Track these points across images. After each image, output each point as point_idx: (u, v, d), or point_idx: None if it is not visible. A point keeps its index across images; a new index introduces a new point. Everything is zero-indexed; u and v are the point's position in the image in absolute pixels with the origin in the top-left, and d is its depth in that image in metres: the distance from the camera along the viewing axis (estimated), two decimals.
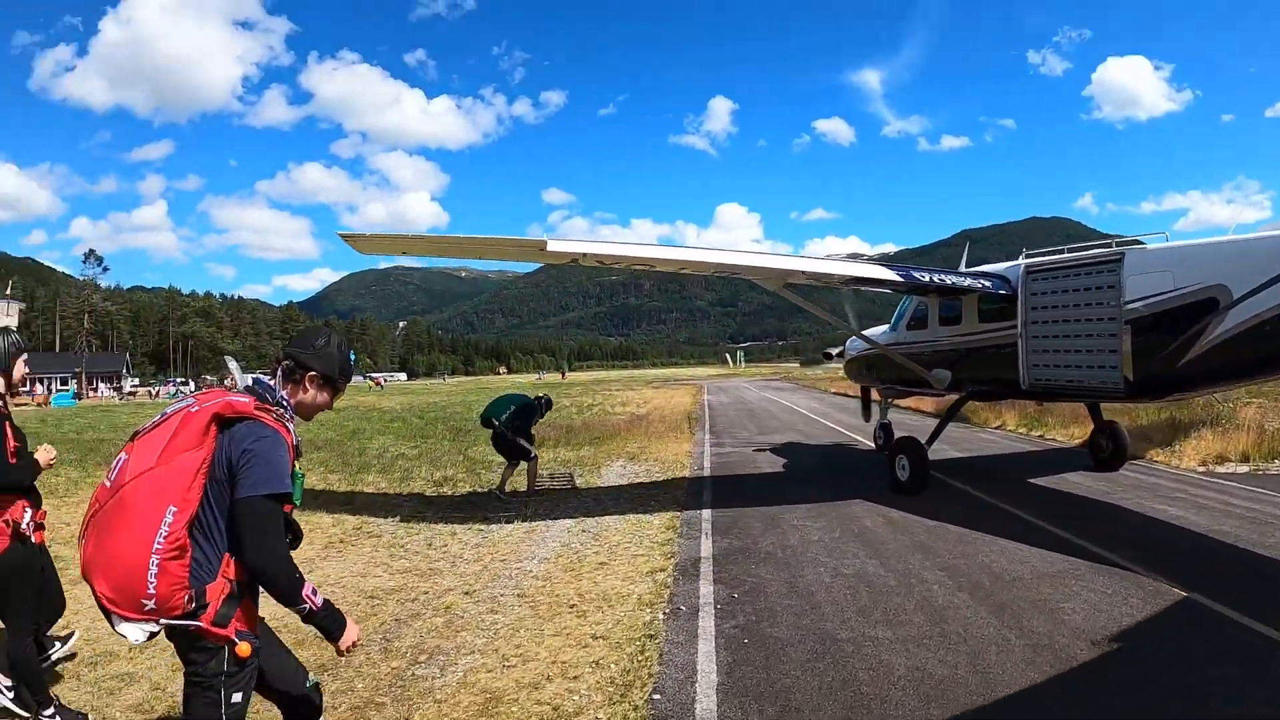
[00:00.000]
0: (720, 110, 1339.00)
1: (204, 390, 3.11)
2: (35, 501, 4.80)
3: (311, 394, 3.22)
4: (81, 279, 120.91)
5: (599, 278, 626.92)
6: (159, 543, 2.73)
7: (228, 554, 2.90)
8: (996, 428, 20.35)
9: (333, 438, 21.90)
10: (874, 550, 8.13)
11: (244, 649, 2.91)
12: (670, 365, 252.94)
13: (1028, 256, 10.93)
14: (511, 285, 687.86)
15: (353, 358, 3.39)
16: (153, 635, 2.83)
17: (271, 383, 3.17)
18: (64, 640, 5.63)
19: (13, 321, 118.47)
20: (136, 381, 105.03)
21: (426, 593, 7.33)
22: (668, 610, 6.47)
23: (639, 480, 13.67)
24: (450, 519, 10.82)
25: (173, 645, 2.97)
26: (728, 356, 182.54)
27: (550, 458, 16.30)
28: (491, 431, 12.48)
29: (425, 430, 24.64)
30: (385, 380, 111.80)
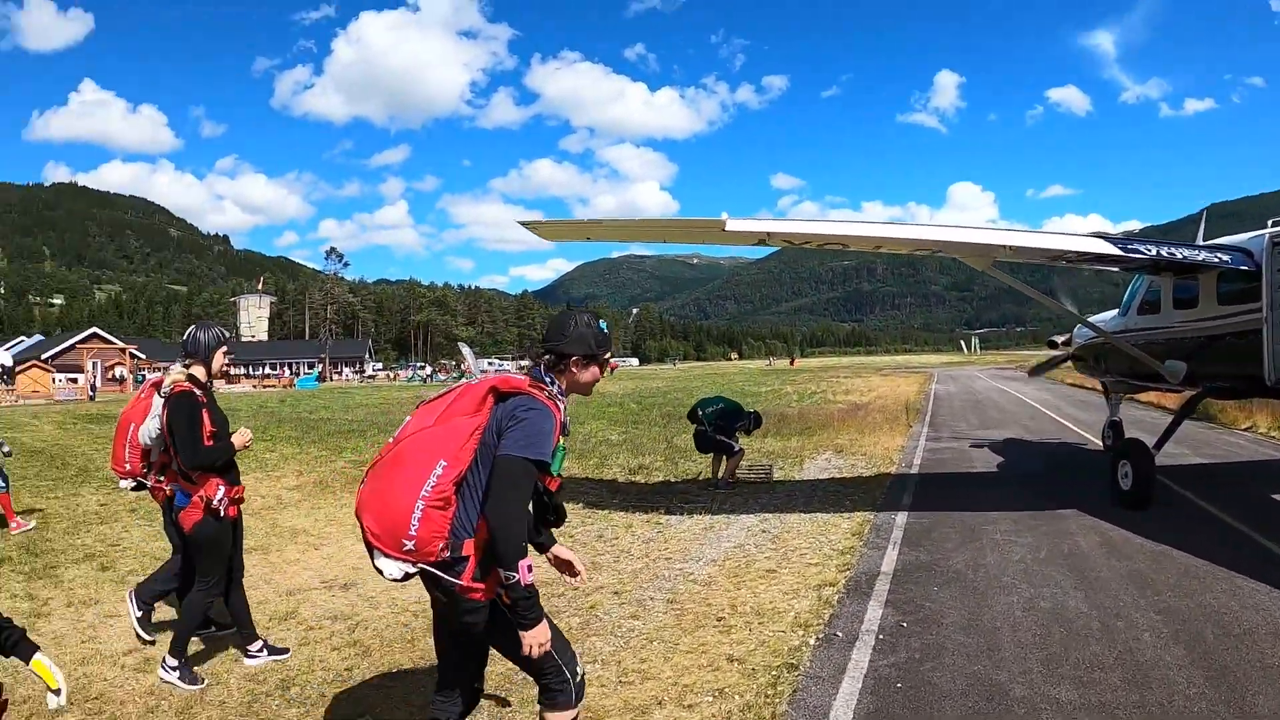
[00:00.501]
0: (947, 85, 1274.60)
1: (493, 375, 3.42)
2: (232, 479, 5.36)
3: (579, 373, 3.45)
4: (327, 274, 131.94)
5: (830, 263, 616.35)
6: (426, 490, 3.03)
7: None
8: (1245, 429, 17.75)
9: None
10: (1080, 578, 7.08)
11: (507, 597, 3.12)
12: (903, 352, 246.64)
13: (1275, 225, 8.96)
14: (743, 271, 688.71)
15: (604, 326, 3.56)
16: (408, 576, 3.14)
17: (543, 374, 3.39)
18: (222, 627, 6.11)
19: (265, 313, 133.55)
20: (379, 366, 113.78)
21: (577, 589, 7.17)
22: (822, 635, 5.90)
23: (840, 476, 13.20)
24: (633, 508, 10.94)
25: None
26: (962, 343, 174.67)
27: (755, 448, 15.88)
28: (695, 428, 12.61)
29: (640, 416, 25.22)
30: (618, 365, 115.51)
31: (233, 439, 5.33)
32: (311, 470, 15.19)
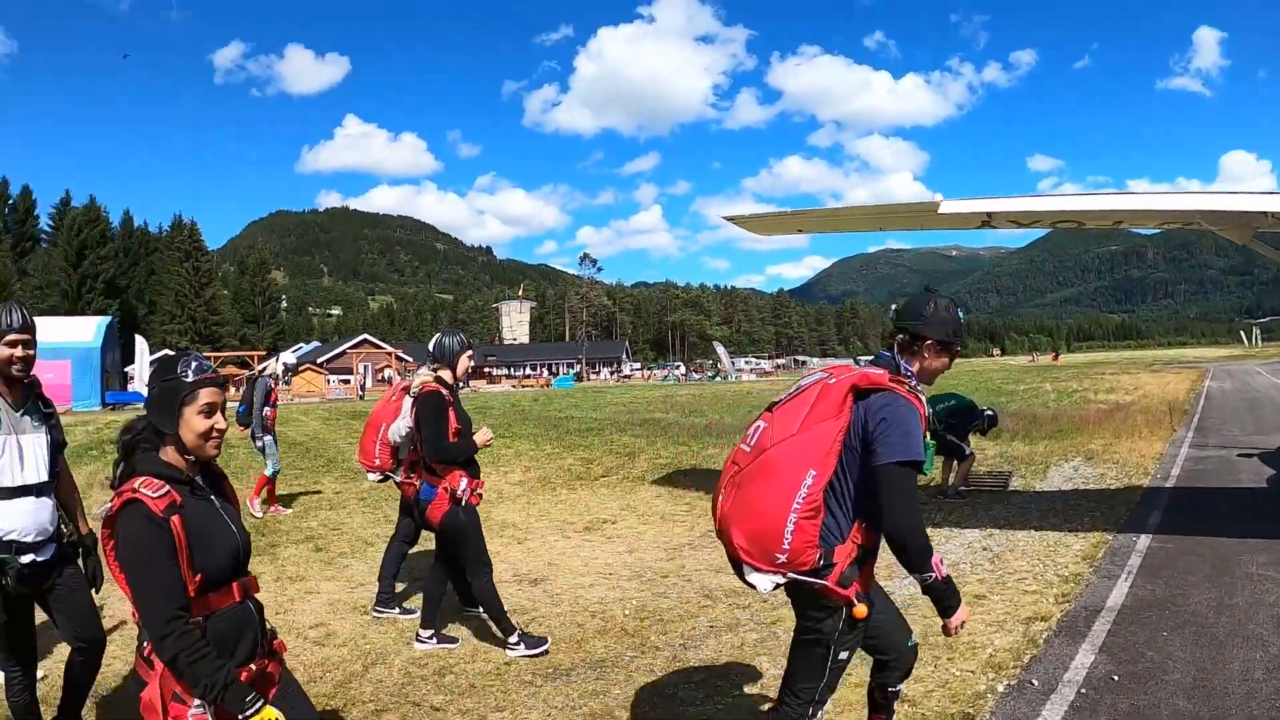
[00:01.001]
0: (1207, 42, 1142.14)
1: (832, 366, 3.42)
2: (473, 473, 5.81)
3: (930, 360, 3.38)
4: (582, 279, 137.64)
5: (1096, 248, 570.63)
6: (798, 502, 3.01)
7: (858, 520, 3.15)
8: None
9: None
10: None
11: (861, 611, 3.12)
12: (1177, 345, 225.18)
13: None
14: (1004, 261, 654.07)
15: (962, 316, 3.54)
16: (777, 586, 3.16)
17: (894, 357, 3.37)
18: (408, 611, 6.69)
19: (525, 317, 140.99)
20: (638, 366, 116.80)
21: (766, 602, 6.78)
22: (1014, 682, 5.11)
23: (1084, 487, 11.88)
24: None
25: (790, 600, 3.35)
26: (1242, 334, 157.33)
27: (996, 453, 14.94)
28: None
29: None
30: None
31: (475, 437, 5.78)
32: (539, 467, 15.83)
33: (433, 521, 5.76)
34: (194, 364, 2.76)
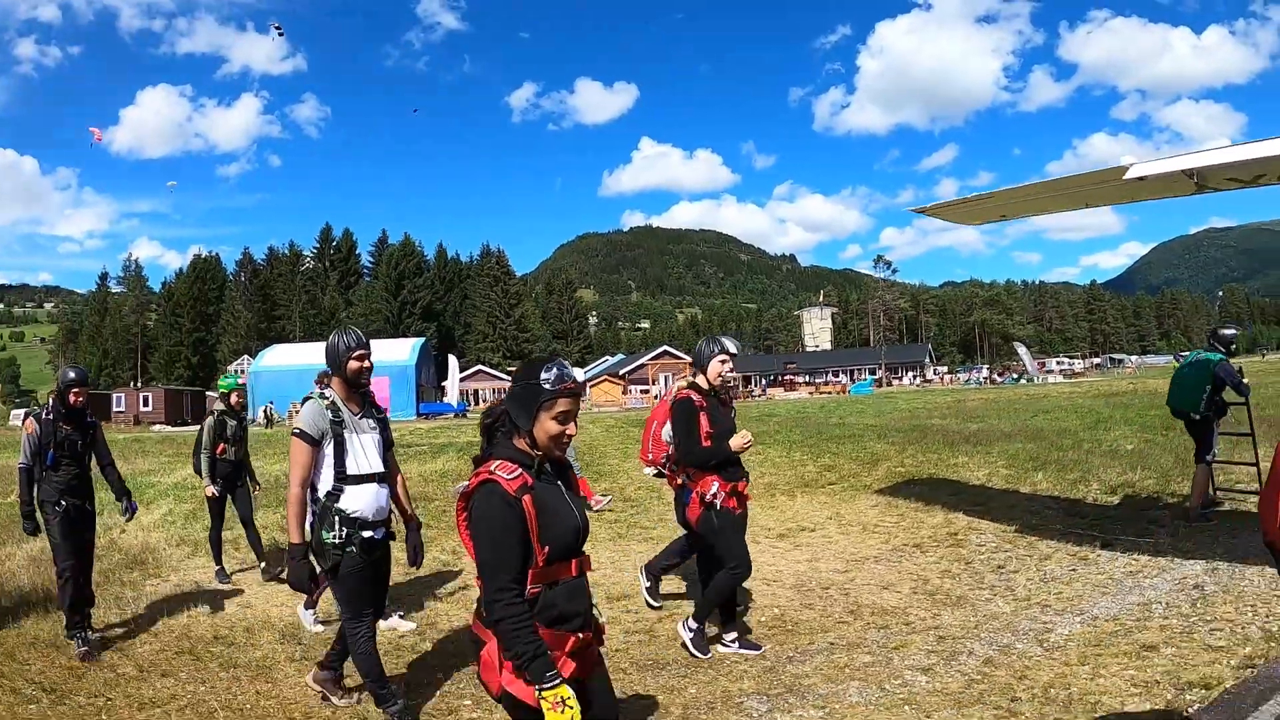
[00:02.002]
0: None
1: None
2: (731, 475, 6.04)
3: None
4: (876, 281, 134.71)
5: None
6: None
7: None
8: None
9: (1070, 426, 19.91)
10: None
11: None
12: None
13: None
14: None
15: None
16: None
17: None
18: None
19: (827, 323, 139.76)
20: (944, 370, 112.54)
21: (910, 625, 6.51)
22: None
23: None
24: (1071, 536, 9.31)
25: None
26: None
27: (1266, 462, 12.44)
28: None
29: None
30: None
31: (731, 441, 5.92)
32: (776, 473, 15.86)
33: (690, 521, 6.09)
34: (556, 371, 3.01)
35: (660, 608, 7.01)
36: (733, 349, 6.33)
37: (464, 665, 5.82)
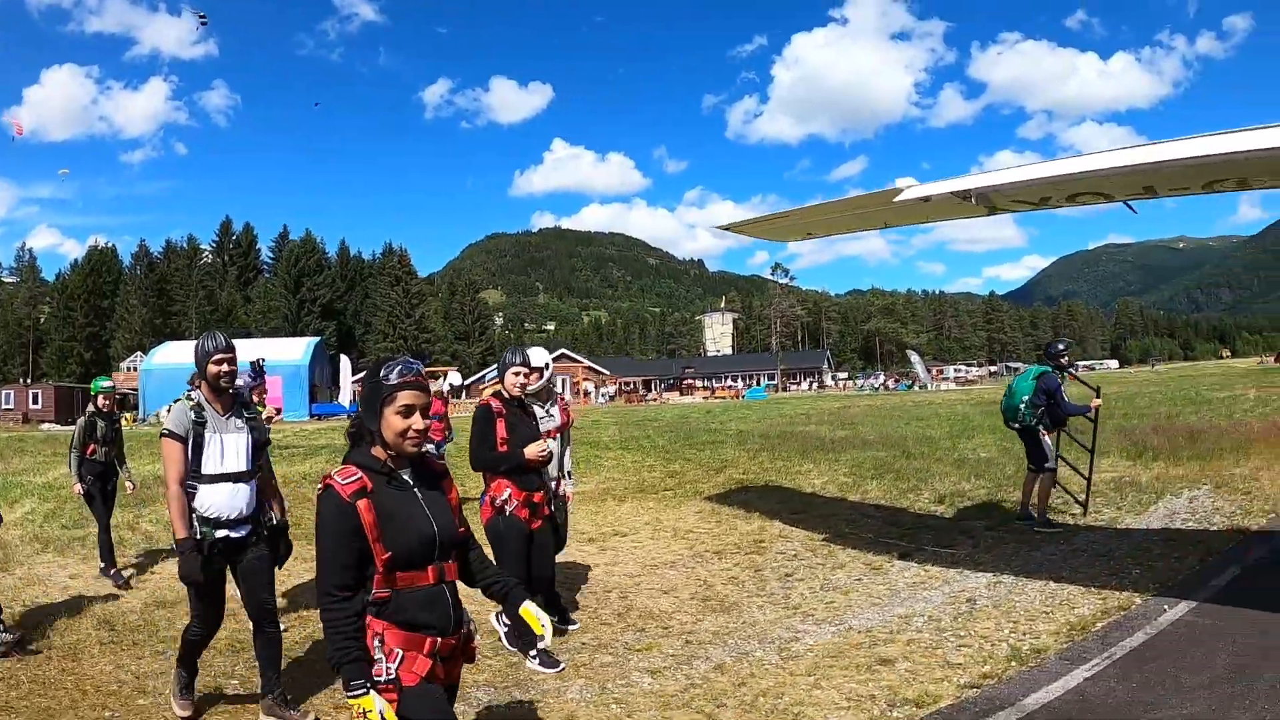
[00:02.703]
0: None
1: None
2: (524, 484, 5.91)
3: None
4: (773, 288, 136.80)
5: None
6: None
7: None
8: None
9: (934, 434, 20.18)
10: None
11: None
12: None
13: None
14: (1237, 252, 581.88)
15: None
16: None
17: None
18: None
19: (728, 329, 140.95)
20: (844, 376, 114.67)
21: (667, 629, 6.30)
22: None
23: (1183, 527, 9.43)
24: (877, 546, 9.30)
25: None
26: None
27: (1114, 477, 12.51)
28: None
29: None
30: (1094, 367, 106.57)
31: (526, 450, 5.84)
32: (621, 478, 15.69)
33: (483, 523, 5.96)
34: (398, 367, 2.93)
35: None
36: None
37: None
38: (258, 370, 10.54)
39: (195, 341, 5.03)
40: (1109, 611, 6.48)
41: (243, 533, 4.87)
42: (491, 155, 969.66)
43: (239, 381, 5.98)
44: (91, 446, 8.84)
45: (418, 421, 2.90)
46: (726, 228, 9.45)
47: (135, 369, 61.54)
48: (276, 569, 5.24)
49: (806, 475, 14.76)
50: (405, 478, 2.97)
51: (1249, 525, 9.20)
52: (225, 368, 4.87)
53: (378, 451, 2.94)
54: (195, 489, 4.74)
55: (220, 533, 4.76)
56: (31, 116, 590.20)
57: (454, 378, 16.02)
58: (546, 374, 6.73)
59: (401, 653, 2.80)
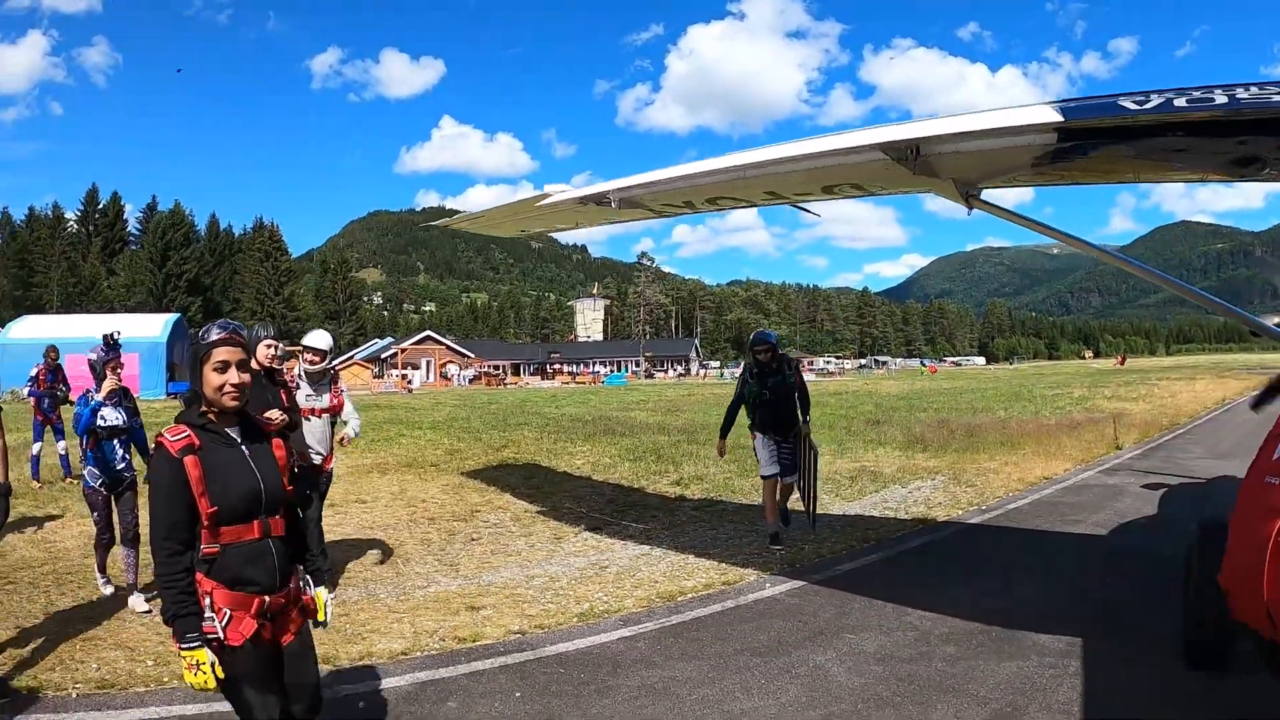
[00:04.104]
0: None
1: None
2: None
3: None
4: (639, 277, 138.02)
5: (1202, 247, 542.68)
6: None
7: None
8: None
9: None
10: None
11: None
12: None
13: None
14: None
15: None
16: None
17: None
18: None
19: (599, 315, 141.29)
20: (716, 365, 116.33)
21: None
22: None
23: (871, 514, 10.03)
24: (587, 521, 9.92)
25: None
26: None
27: (864, 464, 13.80)
28: None
29: (850, 416, 23.31)
30: (960, 363, 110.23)
31: (268, 413, 5.75)
32: (403, 454, 16.21)
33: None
34: (215, 328, 3.02)
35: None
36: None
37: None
38: (111, 345, 10.56)
39: None
40: (711, 585, 6.99)
41: None
42: (379, 130, 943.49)
43: (90, 356, 6.27)
44: None
45: (233, 376, 2.97)
46: (445, 225, 9.98)
47: None
48: None
49: (574, 457, 15.55)
50: (233, 435, 3.04)
51: (937, 516, 9.76)
52: None
53: (205, 408, 3.03)
54: None
55: None
56: None
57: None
58: (328, 357, 7.07)
59: (230, 612, 2.86)
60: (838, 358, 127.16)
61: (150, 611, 6.06)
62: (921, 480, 12.34)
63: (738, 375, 9.15)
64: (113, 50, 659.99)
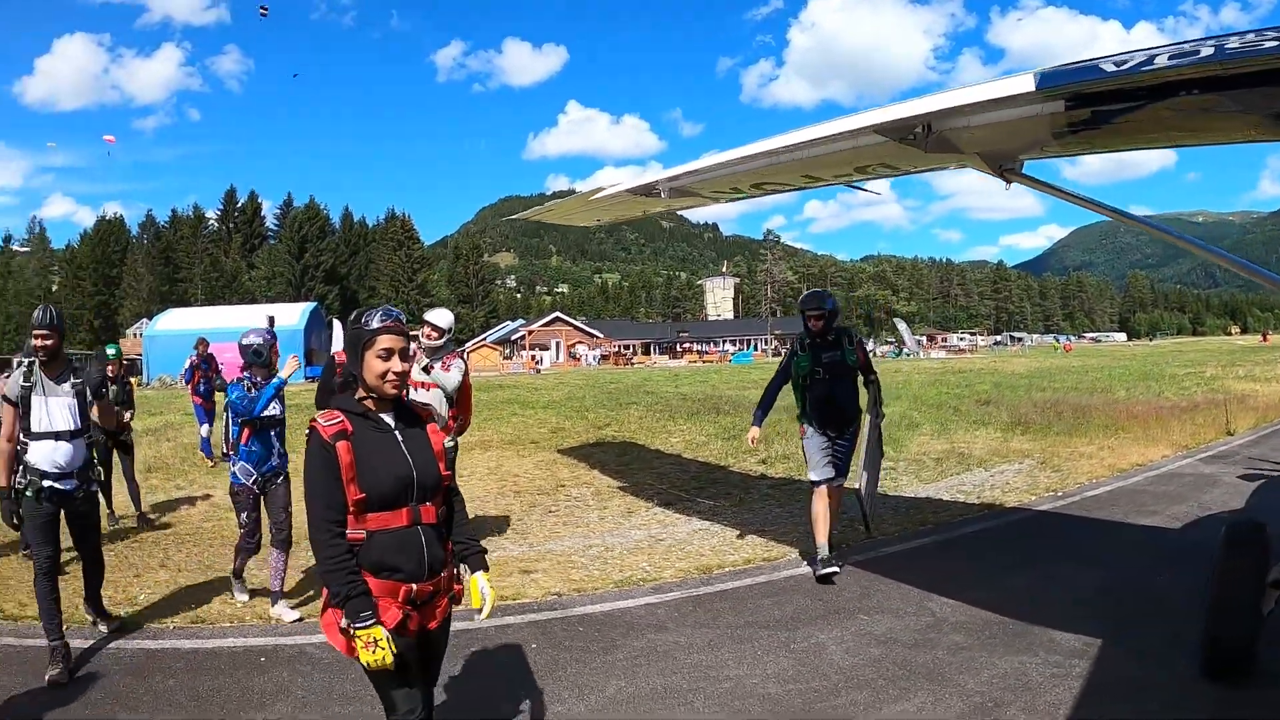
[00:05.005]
0: None
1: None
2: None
3: None
4: (766, 254, 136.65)
5: None
6: None
7: None
8: None
9: None
10: None
11: None
12: None
13: None
14: (1257, 227, 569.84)
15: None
16: None
17: None
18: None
19: (729, 293, 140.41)
20: None
21: None
22: None
23: (941, 497, 9.84)
24: (659, 496, 10.37)
25: None
26: None
27: (956, 446, 13.44)
28: None
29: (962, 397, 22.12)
30: (1099, 340, 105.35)
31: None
32: (504, 431, 17.07)
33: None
34: (379, 314, 3.05)
35: None
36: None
37: None
38: (271, 326, 11.58)
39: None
40: (751, 560, 7.25)
41: (69, 486, 5.31)
42: (505, 118, 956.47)
43: (257, 339, 6.81)
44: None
45: (396, 364, 2.98)
46: (524, 216, 10.35)
47: (140, 335, 63.32)
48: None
49: (670, 435, 15.94)
50: (387, 420, 3.04)
51: (1006, 502, 9.47)
52: (37, 341, 5.23)
53: (360, 396, 3.05)
54: (25, 445, 5.22)
55: (47, 483, 5.21)
56: (44, 86, 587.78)
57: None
58: (446, 335, 7.11)
59: (375, 600, 2.84)
60: (971, 334, 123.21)
61: (300, 619, 5.89)
62: (1008, 464, 11.93)
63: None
64: (244, 57, 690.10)
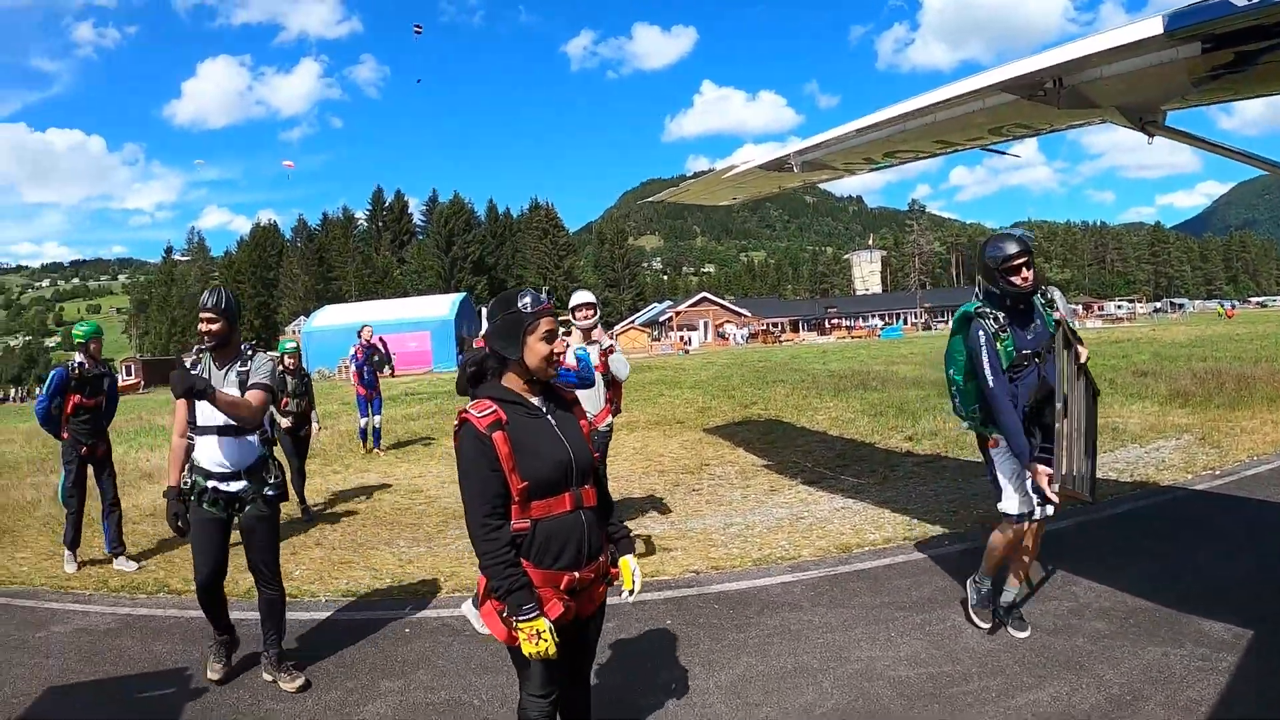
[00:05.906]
0: None
1: None
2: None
3: None
4: (912, 224, 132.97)
5: None
6: None
7: None
8: None
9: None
10: None
11: None
12: None
13: None
14: None
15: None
16: None
17: None
18: None
19: (876, 267, 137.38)
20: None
21: None
22: None
23: (1098, 476, 9.40)
24: (804, 474, 10.32)
25: None
26: None
27: (1138, 421, 12.55)
28: None
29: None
30: (1266, 304, 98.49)
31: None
32: (656, 412, 17.39)
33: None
34: (529, 297, 3.00)
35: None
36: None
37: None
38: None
39: None
40: (892, 539, 7.09)
41: (236, 488, 4.73)
42: (641, 102, 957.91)
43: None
44: (285, 399, 9.84)
45: (559, 345, 3.00)
46: (658, 199, 10.61)
47: (299, 332, 67.30)
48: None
49: (816, 413, 15.73)
50: (537, 404, 3.01)
51: (1160, 480, 8.82)
52: (203, 326, 4.69)
53: (512, 382, 3.00)
54: (192, 439, 4.72)
55: (210, 483, 4.68)
56: (191, 107, 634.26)
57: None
58: (594, 314, 6.98)
59: (537, 592, 2.84)
60: (1129, 301, 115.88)
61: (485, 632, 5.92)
62: (1165, 439, 11.05)
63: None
64: (379, 64, 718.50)
